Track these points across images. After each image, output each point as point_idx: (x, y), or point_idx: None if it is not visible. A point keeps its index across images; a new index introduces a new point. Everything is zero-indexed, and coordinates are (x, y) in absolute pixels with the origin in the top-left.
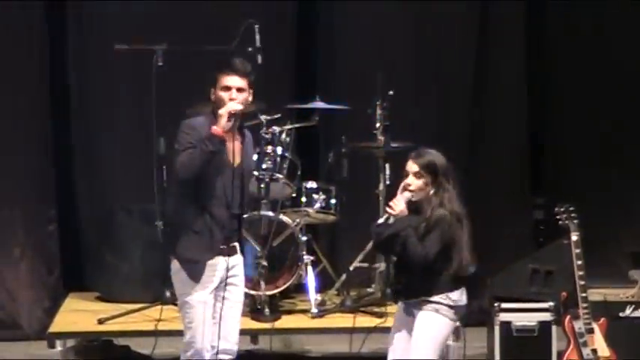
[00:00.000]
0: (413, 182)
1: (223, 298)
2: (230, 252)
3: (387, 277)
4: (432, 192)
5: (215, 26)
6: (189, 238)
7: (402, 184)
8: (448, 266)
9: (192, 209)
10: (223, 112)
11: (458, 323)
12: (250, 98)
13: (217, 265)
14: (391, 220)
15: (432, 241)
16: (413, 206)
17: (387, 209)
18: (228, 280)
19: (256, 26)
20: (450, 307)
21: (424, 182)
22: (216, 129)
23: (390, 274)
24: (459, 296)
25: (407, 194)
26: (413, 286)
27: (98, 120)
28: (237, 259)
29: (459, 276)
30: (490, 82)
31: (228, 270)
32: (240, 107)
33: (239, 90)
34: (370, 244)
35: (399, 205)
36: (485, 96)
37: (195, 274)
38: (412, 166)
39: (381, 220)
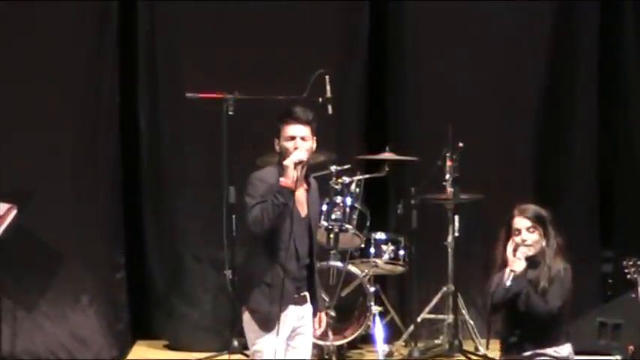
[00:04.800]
0: (529, 237)
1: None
2: (301, 301)
3: (455, 329)
4: (544, 244)
5: (287, 75)
6: (262, 290)
7: (514, 242)
8: (563, 319)
9: (264, 261)
10: (288, 163)
11: None
12: (314, 145)
13: (289, 315)
14: (509, 282)
15: (555, 294)
16: (528, 261)
17: (511, 270)
18: (297, 330)
19: (327, 76)
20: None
21: (538, 234)
22: (285, 181)
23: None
24: (568, 351)
25: (524, 250)
26: (527, 339)
27: (168, 167)
28: (307, 309)
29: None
30: (561, 133)
31: (298, 319)
32: (303, 156)
33: (303, 138)
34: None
35: (520, 264)
36: (555, 146)
37: (268, 324)
38: (524, 222)
39: (508, 283)
